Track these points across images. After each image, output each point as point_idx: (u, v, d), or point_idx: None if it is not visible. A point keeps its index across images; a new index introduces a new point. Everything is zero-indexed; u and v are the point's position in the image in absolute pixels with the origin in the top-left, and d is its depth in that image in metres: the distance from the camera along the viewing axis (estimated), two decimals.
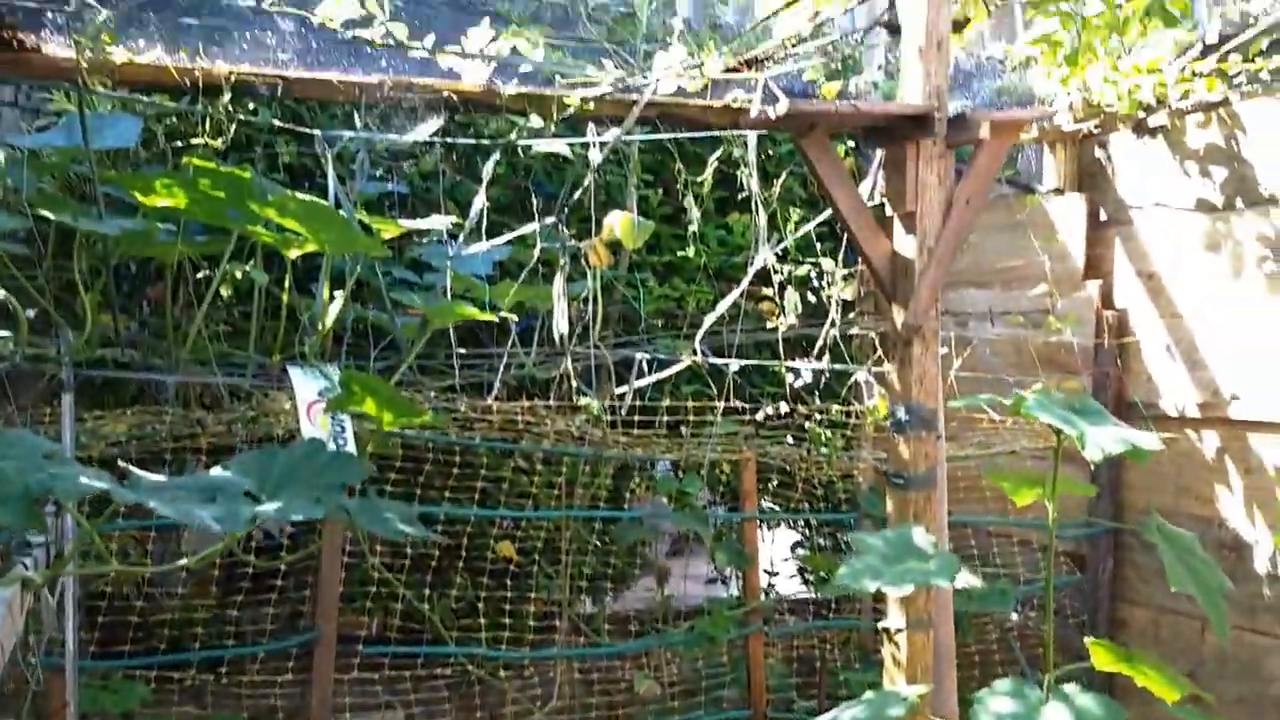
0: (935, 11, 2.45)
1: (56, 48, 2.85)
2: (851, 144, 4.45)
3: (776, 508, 4.81)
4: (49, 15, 2.92)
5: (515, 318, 3.55)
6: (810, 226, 3.86)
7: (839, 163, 2.65)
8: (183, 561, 2.79)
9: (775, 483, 4.74)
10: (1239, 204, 3.70)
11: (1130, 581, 4.01)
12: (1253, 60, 3.58)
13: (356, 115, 3.20)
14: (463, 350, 3.78)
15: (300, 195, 2.72)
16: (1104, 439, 1.98)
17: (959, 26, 3.45)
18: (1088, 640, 2.19)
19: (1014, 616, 4.07)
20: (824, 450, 4.02)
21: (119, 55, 2.86)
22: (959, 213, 2.52)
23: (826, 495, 4.52)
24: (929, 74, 2.47)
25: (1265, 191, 3.62)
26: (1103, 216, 4.18)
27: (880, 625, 2.66)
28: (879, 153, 2.90)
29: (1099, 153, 4.17)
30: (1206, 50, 3.74)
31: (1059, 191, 4.25)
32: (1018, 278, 4.34)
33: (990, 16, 3.56)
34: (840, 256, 4.03)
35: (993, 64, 4.78)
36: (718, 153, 4.13)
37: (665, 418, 4.00)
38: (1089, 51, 3.59)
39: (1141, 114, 3.88)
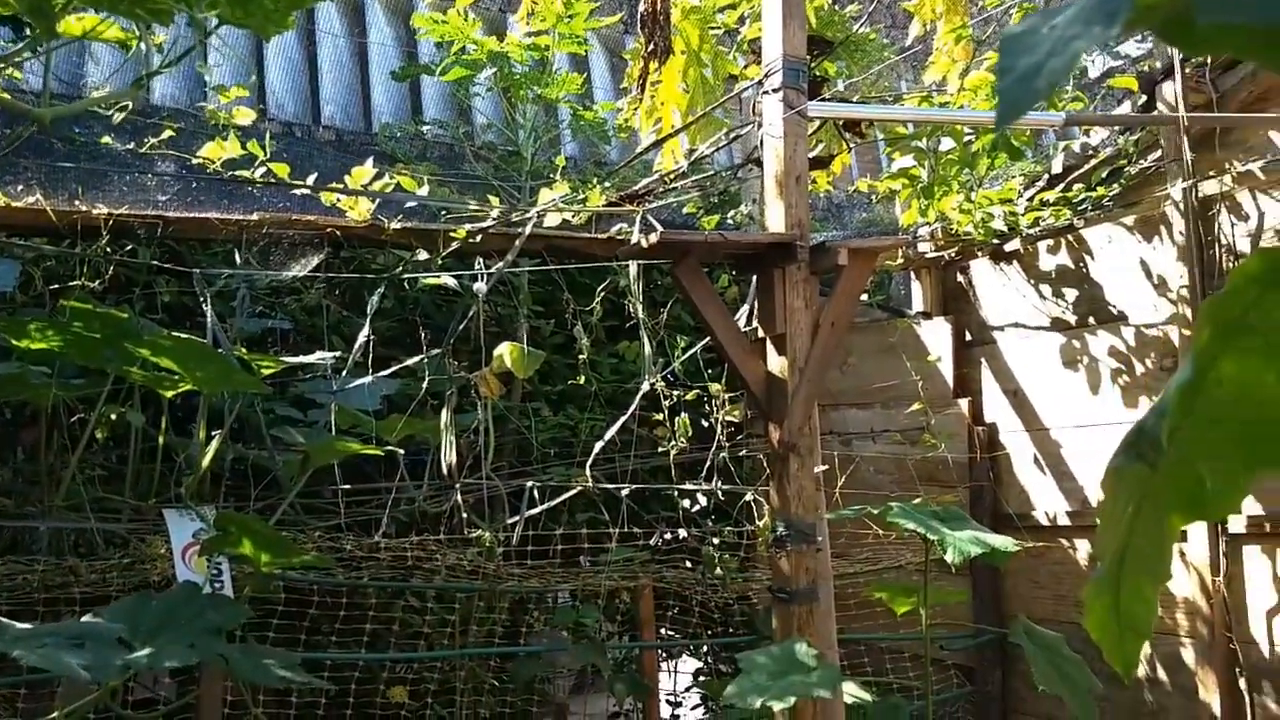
0: (793, 148, 2.62)
1: None
2: (734, 272, 4.63)
3: (676, 635, 4.77)
4: None
5: (402, 451, 3.53)
6: (694, 350, 3.96)
7: (712, 289, 2.76)
8: (52, 717, 2.63)
9: (675, 610, 4.71)
10: (1091, 321, 3.94)
11: (1019, 691, 4.07)
12: (1094, 189, 3.88)
13: (237, 253, 3.21)
14: (347, 487, 3.72)
15: (176, 334, 2.70)
16: (962, 541, 2.06)
17: (824, 163, 3.66)
18: None
19: None
20: (718, 573, 4.03)
21: None
22: (825, 334, 2.64)
23: (724, 619, 4.51)
24: (790, 206, 2.61)
25: (1114, 309, 3.87)
26: (968, 337, 4.40)
27: None
28: (755, 280, 3.03)
29: (961, 278, 4.41)
30: (1053, 180, 4.04)
31: (927, 315, 4.46)
32: (894, 397, 4.50)
33: (851, 153, 3.78)
34: (725, 380, 4.13)
35: (861, 197, 5.06)
36: (605, 283, 4.24)
37: (560, 546, 3.98)
38: (944, 184, 3.84)
39: (996, 241, 4.14)
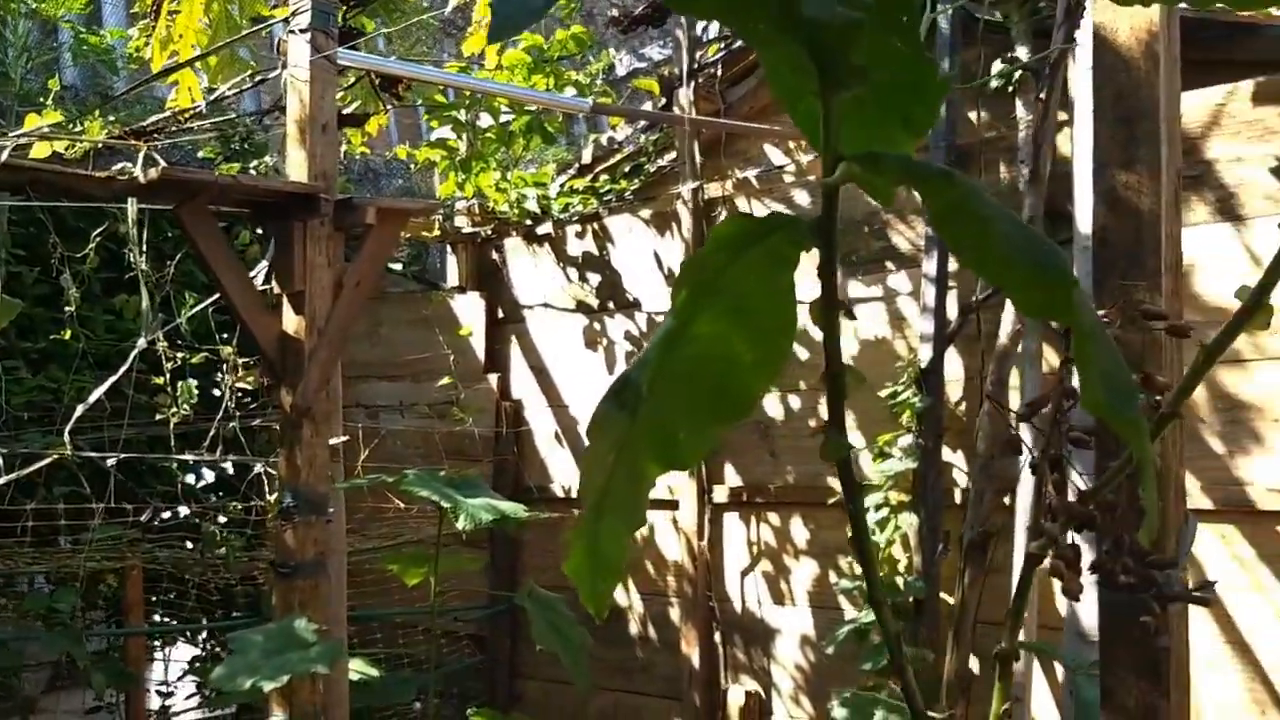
0: (320, 95, 2.47)
1: None
2: (257, 227, 4.32)
3: (171, 619, 4.37)
4: None
5: None
6: (204, 308, 3.63)
7: (222, 238, 2.54)
8: None
9: (173, 594, 4.31)
10: (611, 305, 4.19)
11: (526, 657, 4.23)
12: (618, 181, 4.11)
13: None
14: None
15: None
16: (475, 509, 2.06)
17: (358, 121, 3.52)
18: (469, 711, 2.24)
19: (416, 705, 4.07)
20: (220, 552, 3.74)
21: None
22: (349, 294, 2.53)
23: (226, 601, 4.20)
24: (314, 155, 2.47)
25: (630, 295, 4.13)
26: (500, 314, 4.48)
27: None
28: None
29: (496, 255, 4.49)
30: (583, 170, 4.23)
31: (461, 290, 4.49)
32: (426, 370, 4.47)
33: (390, 116, 3.68)
34: (239, 342, 3.84)
35: (400, 165, 4.97)
36: (103, 228, 3.76)
37: (33, 524, 3.48)
38: (482, 160, 3.86)
39: (530, 222, 4.25)
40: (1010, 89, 3.09)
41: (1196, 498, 2.81)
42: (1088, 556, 1.01)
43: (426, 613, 4.13)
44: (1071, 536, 0.99)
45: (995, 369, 2.97)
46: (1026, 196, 2.86)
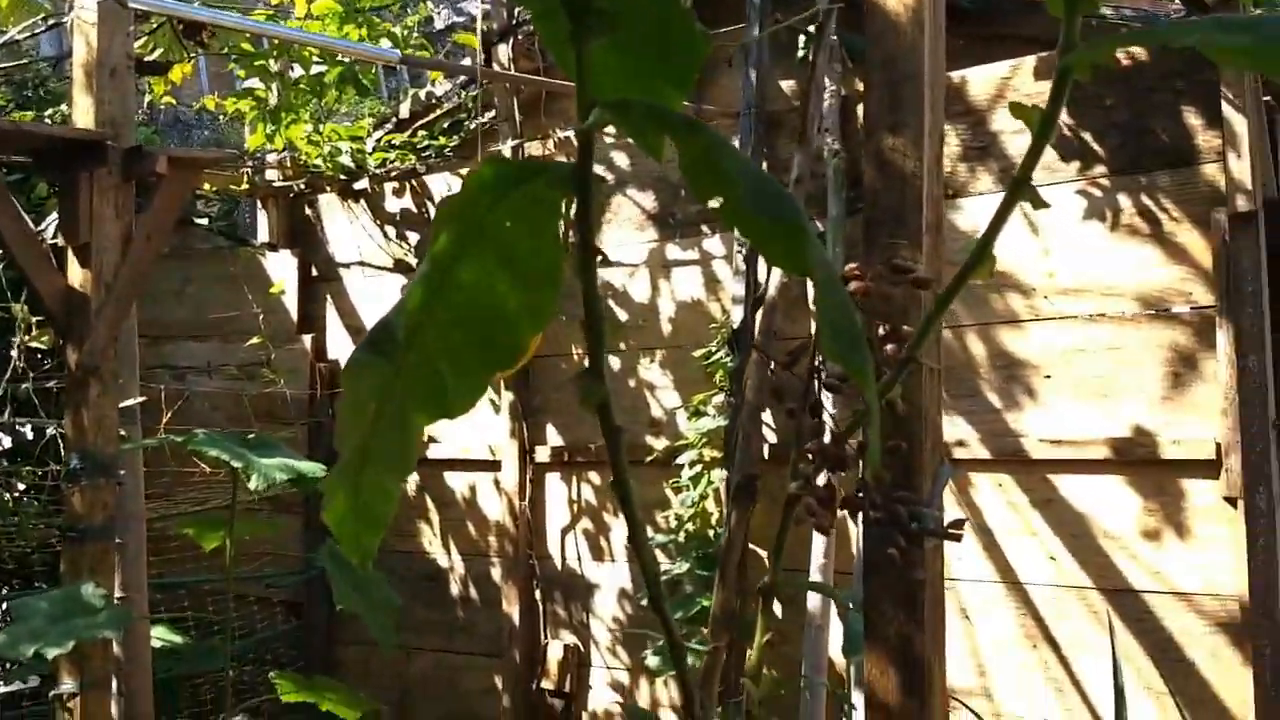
0: (108, 39, 2.35)
1: None
2: (51, 180, 4.07)
3: None
4: None
5: None
6: None
7: (2, 187, 2.39)
8: None
9: None
10: None
11: (344, 622, 4.18)
12: (437, 137, 4.06)
13: None
14: None
15: None
16: (269, 468, 2.03)
17: (161, 69, 3.36)
18: (271, 675, 2.22)
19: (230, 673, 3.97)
20: (14, 519, 3.54)
21: None
22: (140, 248, 2.43)
23: (23, 570, 3.99)
24: (102, 102, 2.35)
25: None
26: (315, 272, 4.37)
27: (51, 694, 2.39)
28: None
29: (309, 211, 4.36)
30: (401, 125, 4.15)
31: (273, 247, 4.34)
32: (236, 331, 4.32)
33: (197, 64, 3.52)
34: (27, 299, 3.62)
35: (211, 115, 4.76)
36: None
37: None
38: (293, 111, 3.74)
39: (345, 178, 4.15)
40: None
41: (975, 448, 3.02)
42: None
43: (235, 578, 4.02)
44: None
45: (764, 319, 3.08)
46: (796, 155, 2.95)
